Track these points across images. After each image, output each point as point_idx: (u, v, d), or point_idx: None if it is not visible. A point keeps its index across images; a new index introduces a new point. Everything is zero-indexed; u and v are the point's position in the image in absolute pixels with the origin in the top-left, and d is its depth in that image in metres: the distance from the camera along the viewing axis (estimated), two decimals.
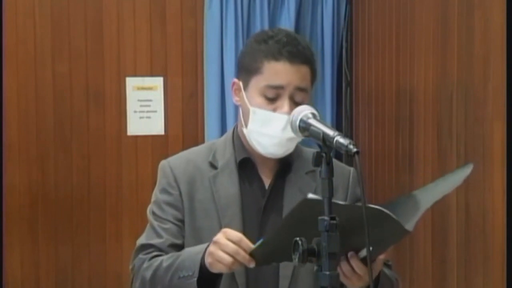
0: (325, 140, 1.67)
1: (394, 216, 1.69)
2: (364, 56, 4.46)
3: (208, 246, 1.89)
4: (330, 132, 1.67)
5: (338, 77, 4.68)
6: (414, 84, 3.69)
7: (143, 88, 4.59)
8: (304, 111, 1.78)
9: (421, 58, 3.61)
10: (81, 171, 4.53)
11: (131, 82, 4.57)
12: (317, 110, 1.79)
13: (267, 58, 2.02)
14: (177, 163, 2.15)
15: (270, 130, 2.02)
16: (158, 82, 4.59)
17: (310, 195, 1.69)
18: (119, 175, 4.55)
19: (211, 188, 2.09)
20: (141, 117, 4.59)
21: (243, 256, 1.82)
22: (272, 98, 2.02)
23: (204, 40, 4.52)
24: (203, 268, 1.90)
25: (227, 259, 1.82)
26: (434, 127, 3.46)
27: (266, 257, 1.84)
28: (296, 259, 1.64)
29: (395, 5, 3.96)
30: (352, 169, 2.15)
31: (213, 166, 2.12)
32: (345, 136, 1.66)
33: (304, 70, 2.03)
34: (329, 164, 1.66)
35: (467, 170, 1.85)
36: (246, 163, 2.11)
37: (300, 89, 2.02)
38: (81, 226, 4.53)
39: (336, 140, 1.64)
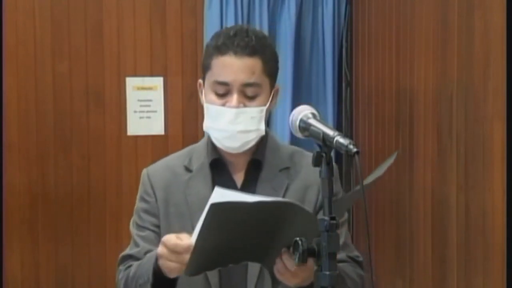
0: (325, 140, 1.67)
1: (306, 208, 1.73)
2: (364, 56, 4.46)
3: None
4: (330, 132, 1.67)
5: (338, 77, 4.68)
6: (414, 84, 3.69)
7: (143, 88, 4.58)
8: (304, 111, 1.78)
9: (421, 58, 3.61)
10: (81, 171, 4.53)
11: (131, 82, 4.57)
12: (317, 110, 1.79)
13: (215, 53, 2.03)
14: (155, 170, 2.18)
15: (220, 124, 2.03)
16: (158, 82, 4.59)
17: (214, 199, 1.70)
18: (119, 175, 4.55)
19: (184, 192, 2.10)
20: (141, 117, 4.59)
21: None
22: (222, 93, 2.02)
23: (204, 40, 4.52)
24: (157, 273, 1.91)
25: (178, 267, 1.83)
26: (434, 127, 3.45)
27: (205, 264, 1.84)
28: (296, 259, 1.64)
29: (395, 5, 3.96)
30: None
31: (188, 169, 2.12)
32: (345, 136, 1.66)
33: (253, 63, 2.01)
34: (329, 164, 1.66)
35: (390, 160, 1.86)
36: (218, 164, 2.11)
37: (247, 85, 2.01)
38: (81, 226, 4.53)
39: (336, 140, 1.64)
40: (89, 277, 4.54)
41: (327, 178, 1.65)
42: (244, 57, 2.00)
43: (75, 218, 4.53)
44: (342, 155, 4.51)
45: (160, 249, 1.84)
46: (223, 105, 2.02)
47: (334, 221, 1.62)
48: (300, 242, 1.63)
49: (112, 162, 4.56)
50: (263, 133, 2.07)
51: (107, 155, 4.56)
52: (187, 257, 1.79)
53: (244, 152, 2.09)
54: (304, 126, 1.75)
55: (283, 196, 2.05)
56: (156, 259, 1.91)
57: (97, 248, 4.54)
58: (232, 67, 2.00)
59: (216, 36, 2.07)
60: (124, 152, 4.57)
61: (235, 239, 1.76)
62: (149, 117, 4.59)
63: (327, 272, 1.61)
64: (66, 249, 4.52)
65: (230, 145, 2.06)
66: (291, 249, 1.74)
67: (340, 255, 2.00)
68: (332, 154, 1.70)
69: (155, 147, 4.58)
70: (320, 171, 1.66)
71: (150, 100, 4.59)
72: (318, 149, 1.68)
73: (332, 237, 1.61)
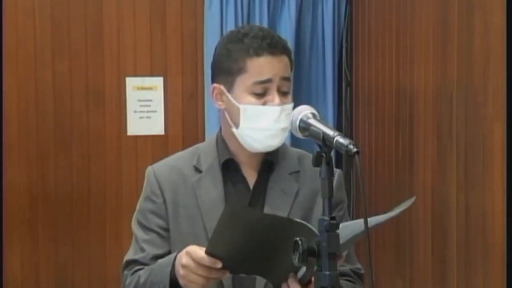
0: (325, 140, 1.67)
1: (312, 228, 1.71)
2: (364, 56, 4.46)
3: (175, 257, 1.90)
4: (330, 132, 1.67)
5: (338, 77, 4.68)
6: (414, 84, 3.69)
7: (143, 88, 4.58)
8: (304, 111, 1.78)
9: (421, 58, 3.61)
10: (81, 171, 4.53)
11: (131, 82, 4.57)
12: (317, 110, 1.79)
13: (249, 55, 2.03)
14: (161, 170, 2.15)
15: (264, 123, 2.03)
16: (158, 82, 4.59)
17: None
18: (119, 175, 4.55)
19: (195, 193, 2.09)
20: (141, 117, 4.59)
21: (216, 274, 1.83)
22: (261, 93, 2.03)
23: (204, 40, 4.52)
24: (173, 280, 1.91)
25: (201, 281, 1.83)
26: (434, 127, 3.45)
27: (236, 267, 1.85)
28: (296, 259, 1.64)
29: (395, 5, 3.96)
30: (337, 171, 2.12)
31: (197, 170, 2.11)
32: (345, 136, 1.65)
33: (285, 59, 2.07)
34: (329, 164, 1.66)
35: (408, 203, 1.85)
36: (230, 165, 2.11)
37: (285, 79, 2.05)
38: (81, 226, 4.53)
39: (336, 140, 1.64)
40: (89, 277, 4.54)
41: (327, 178, 1.65)
42: (279, 55, 2.04)
43: (75, 218, 4.53)
44: (342, 155, 4.52)
45: (185, 261, 1.83)
46: (264, 104, 2.03)
47: (334, 221, 1.62)
48: (300, 242, 1.63)
49: (112, 162, 4.56)
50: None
51: (107, 155, 4.56)
52: (212, 272, 1.80)
53: (260, 152, 2.09)
54: (304, 126, 1.75)
55: (294, 201, 2.06)
56: (173, 267, 1.90)
57: (97, 248, 4.54)
58: (272, 65, 2.03)
59: (238, 39, 2.06)
60: (124, 152, 4.57)
61: (245, 247, 1.76)
62: (149, 117, 4.59)
63: (327, 272, 1.61)
64: (66, 249, 4.52)
65: (272, 143, 2.06)
66: (300, 271, 1.77)
67: (344, 268, 2.00)
68: (332, 154, 1.69)
69: (155, 147, 4.58)
70: (320, 171, 1.66)
71: (150, 100, 4.59)
72: (318, 149, 1.68)
73: (332, 237, 1.61)
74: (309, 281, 1.79)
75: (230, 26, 4.44)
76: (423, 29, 3.59)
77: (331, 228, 1.61)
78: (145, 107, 4.58)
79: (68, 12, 4.51)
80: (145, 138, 4.60)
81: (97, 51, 4.54)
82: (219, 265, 1.79)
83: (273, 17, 4.57)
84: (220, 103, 2.11)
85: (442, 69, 3.39)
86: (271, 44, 2.03)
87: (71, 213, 4.53)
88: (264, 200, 2.07)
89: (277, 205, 2.04)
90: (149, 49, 4.59)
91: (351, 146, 1.61)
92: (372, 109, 4.28)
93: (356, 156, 1.60)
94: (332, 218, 1.62)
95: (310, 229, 1.71)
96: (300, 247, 1.63)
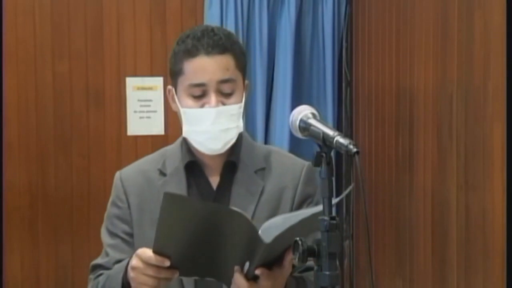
0: (325, 140, 1.66)
1: (251, 221, 1.72)
2: (364, 56, 4.46)
3: (128, 263, 1.88)
4: (330, 132, 1.66)
5: (338, 77, 4.68)
6: (414, 84, 3.69)
7: (143, 88, 4.59)
8: (304, 111, 1.77)
9: (421, 58, 3.61)
10: (81, 171, 4.53)
11: (131, 82, 4.57)
12: (317, 110, 1.79)
13: (186, 57, 2.02)
14: (128, 175, 2.17)
15: (201, 126, 2.01)
16: (158, 82, 4.59)
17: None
18: None
19: (159, 197, 2.06)
20: (141, 117, 4.59)
21: (166, 274, 1.80)
22: (198, 95, 2.01)
23: None
24: (126, 285, 1.90)
25: (151, 282, 1.81)
26: (434, 127, 3.46)
27: (186, 268, 1.83)
28: (296, 259, 1.64)
29: (395, 5, 3.96)
30: (306, 164, 2.09)
31: (162, 173, 2.11)
32: (345, 136, 1.65)
33: (225, 60, 2.00)
34: (329, 164, 1.65)
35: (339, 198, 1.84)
36: (194, 166, 2.09)
37: (223, 81, 2.00)
38: (81, 226, 4.53)
39: (336, 140, 1.64)
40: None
41: (327, 178, 1.65)
42: (215, 56, 1.99)
43: (75, 218, 4.53)
44: (342, 155, 4.52)
45: (135, 262, 1.81)
46: (201, 107, 2.01)
47: (334, 221, 1.62)
48: (300, 242, 1.63)
49: (112, 162, 4.56)
50: (242, 129, 2.06)
51: (107, 155, 4.56)
52: (162, 272, 1.78)
53: (220, 153, 2.07)
54: (304, 126, 1.74)
55: (259, 199, 2.04)
56: (125, 272, 1.89)
57: (97, 248, 4.49)
58: (206, 67, 1.99)
59: (182, 40, 2.05)
60: (124, 152, 4.57)
61: (190, 241, 1.75)
62: (149, 117, 4.59)
63: (327, 272, 1.61)
64: (66, 249, 4.52)
65: (213, 146, 2.03)
66: (245, 266, 1.76)
67: (310, 263, 1.99)
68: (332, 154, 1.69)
69: (155, 147, 4.53)
70: (320, 171, 1.66)
71: (150, 100, 4.59)
72: (318, 149, 1.68)
73: (332, 237, 1.61)
74: (255, 276, 1.77)
75: (230, 26, 4.44)
76: (423, 29, 3.59)
77: (331, 228, 1.61)
78: (145, 107, 4.58)
79: (68, 12, 4.51)
80: (145, 138, 4.60)
81: (97, 51, 4.54)
82: (167, 263, 1.77)
83: (273, 17, 4.57)
84: (174, 105, 2.11)
85: (442, 69, 3.39)
86: (207, 44, 1.98)
87: (71, 213, 4.53)
88: (229, 202, 2.04)
89: (241, 205, 1.98)
90: (149, 49, 4.59)
91: (351, 146, 1.61)
92: (372, 109, 4.28)
93: (356, 156, 1.60)
94: (332, 218, 1.62)
95: (246, 219, 1.71)
96: (300, 247, 1.63)
